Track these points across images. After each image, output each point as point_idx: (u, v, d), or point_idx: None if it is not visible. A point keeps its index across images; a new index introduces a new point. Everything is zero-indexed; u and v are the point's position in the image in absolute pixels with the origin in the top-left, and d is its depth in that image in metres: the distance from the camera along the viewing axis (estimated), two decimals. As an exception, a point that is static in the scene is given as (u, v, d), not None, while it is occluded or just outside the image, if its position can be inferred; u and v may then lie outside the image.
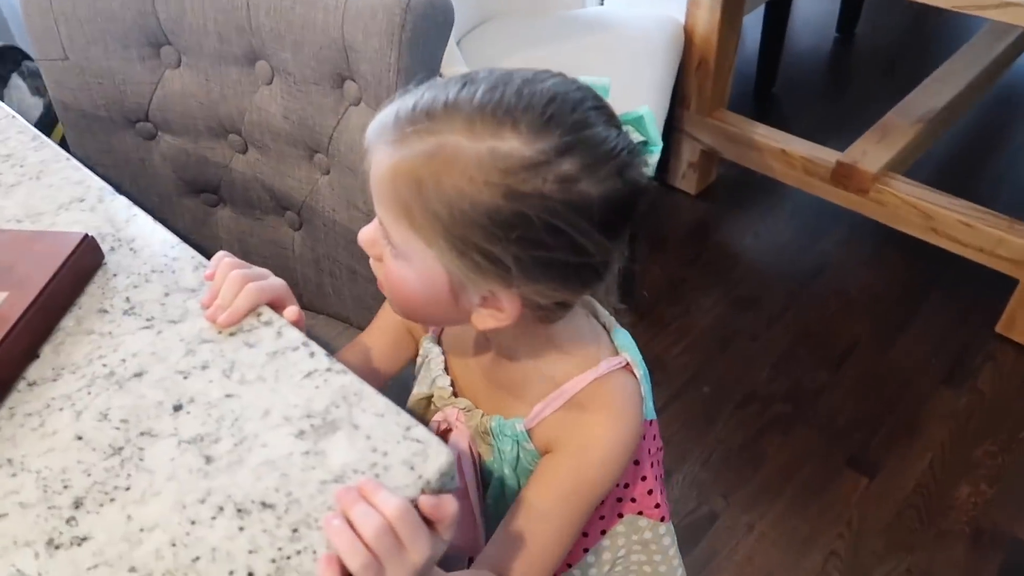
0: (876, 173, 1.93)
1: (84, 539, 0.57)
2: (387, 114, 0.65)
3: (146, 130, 1.18)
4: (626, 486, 0.85)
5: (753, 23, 2.49)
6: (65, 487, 0.60)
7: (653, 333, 1.95)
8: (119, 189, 1.23)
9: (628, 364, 0.77)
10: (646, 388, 0.78)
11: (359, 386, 0.65)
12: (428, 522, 0.57)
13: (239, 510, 0.58)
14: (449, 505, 0.57)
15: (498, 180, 0.59)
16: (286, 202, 1.18)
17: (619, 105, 0.67)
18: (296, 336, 0.70)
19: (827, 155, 2.02)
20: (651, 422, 0.84)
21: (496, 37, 1.96)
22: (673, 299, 2.05)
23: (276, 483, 0.59)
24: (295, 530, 0.57)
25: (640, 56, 1.92)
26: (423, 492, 0.58)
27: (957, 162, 2.42)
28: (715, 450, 1.73)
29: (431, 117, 0.61)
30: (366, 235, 0.71)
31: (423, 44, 0.98)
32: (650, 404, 0.80)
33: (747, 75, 2.66)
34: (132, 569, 0.55)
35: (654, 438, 0.86)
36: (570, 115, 0.61)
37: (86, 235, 0.75)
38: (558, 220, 0.61)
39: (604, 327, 0.80)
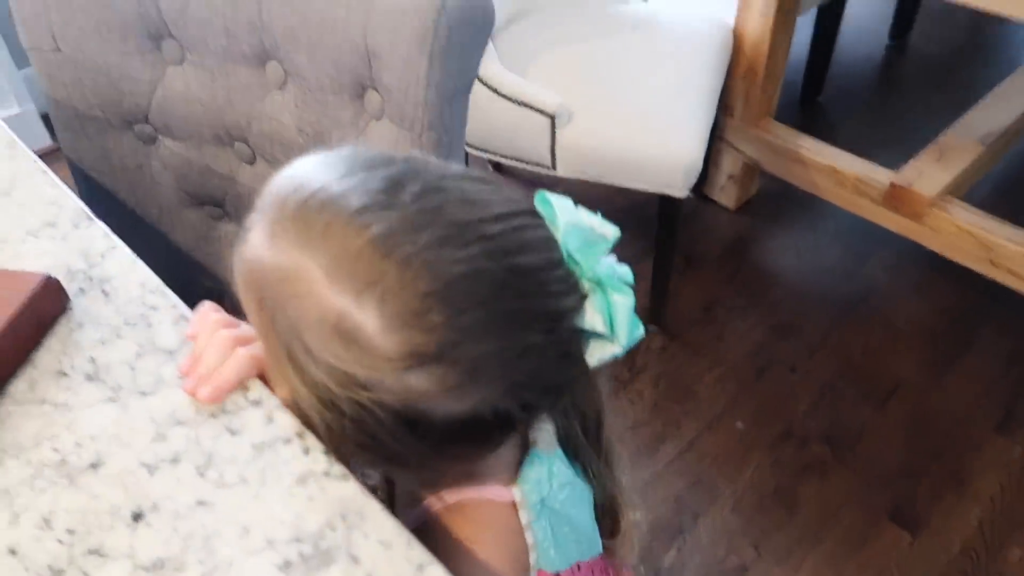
0: (933, 197, 1.79)
1: None
2: (286, 182, 0.50)
3: (145, 133, 1.06)
4: None
5: (801, 26, 2.34)
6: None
7: (684, 358, 1.81)
8: (116, 198, 1.11)
9: (514, 504, 0.62)
10: (547, 538, 0.63)
11: (362, 501, 0.52)
12: None
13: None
14: None
15: (327, 358, 0.47)
16: (295, 219, 1.06)
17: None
18: (289, 424, 0.57)
19: (880, 175, 1.86)
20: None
21: (534, 31, 1.83)
22: (706, 321, 1.91)
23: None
24: None
25: (686, 59, 1.78)
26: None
27: (1015, 187, 2.27)
28: (747, 493, 1.61)
29: (305, 231, 0.47)
30: None
31: (459, 51, 0.85)
32: (563, 555, 0.64)
33: (791, 82, 2.50)
34: None
35: None
36: (457, 317, 0.46)
37: (48, 277, 0.63)
38: (378, 429, 0.48)
39: (529, 445, 0.64)
